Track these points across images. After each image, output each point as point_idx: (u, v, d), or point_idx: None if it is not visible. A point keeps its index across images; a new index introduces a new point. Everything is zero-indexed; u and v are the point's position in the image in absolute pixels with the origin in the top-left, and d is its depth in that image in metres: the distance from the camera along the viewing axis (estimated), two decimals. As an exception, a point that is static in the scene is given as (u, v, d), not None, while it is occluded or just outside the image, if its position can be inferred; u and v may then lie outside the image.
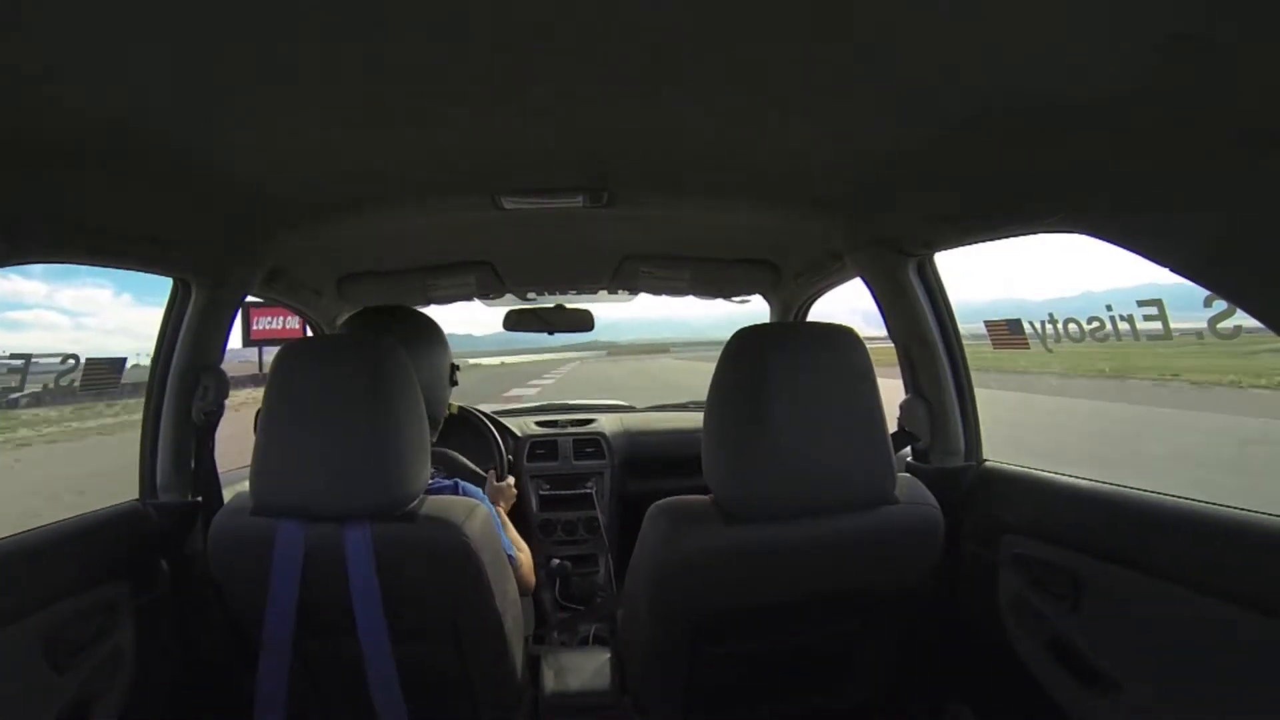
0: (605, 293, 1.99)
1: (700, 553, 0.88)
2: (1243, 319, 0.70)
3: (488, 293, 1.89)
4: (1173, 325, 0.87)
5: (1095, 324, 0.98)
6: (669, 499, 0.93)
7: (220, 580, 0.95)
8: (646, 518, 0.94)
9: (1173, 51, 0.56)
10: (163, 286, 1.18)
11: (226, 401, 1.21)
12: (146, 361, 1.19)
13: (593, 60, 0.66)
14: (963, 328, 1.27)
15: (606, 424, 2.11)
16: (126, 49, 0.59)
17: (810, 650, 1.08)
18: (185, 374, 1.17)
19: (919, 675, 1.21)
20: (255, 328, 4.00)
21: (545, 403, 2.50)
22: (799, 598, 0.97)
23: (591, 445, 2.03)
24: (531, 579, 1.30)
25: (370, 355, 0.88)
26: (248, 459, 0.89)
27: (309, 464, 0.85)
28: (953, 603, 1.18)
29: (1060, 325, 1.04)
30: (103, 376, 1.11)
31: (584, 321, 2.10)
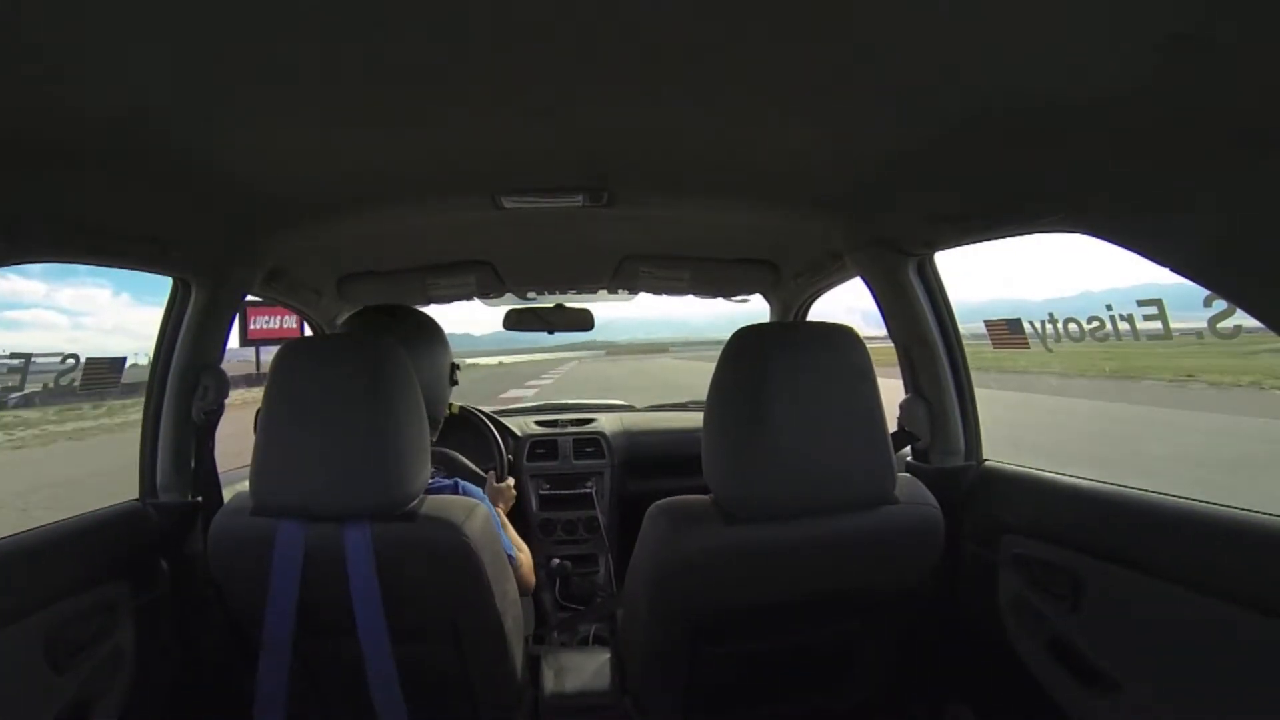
0: (605, 292, 1.99)
1: (700, 553, 0.88)
2: (1243, 319, 0.70)
3: (488, 292, 1.89)
4: (1172, 325, 0.87)
5: (1095, 324, 0.98)
6: (669, 499, 0.93)
7: (220, 580, 0.95)
8: (646, 517, 0.94)
9: (1173, 51, 0.56)
10: (162, 286, 1.19)
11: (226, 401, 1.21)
12: (144, 361, 1.19)
13: (593, 60, 0.66)
14: (962, 327, 1.27)
15: (606, 424, 2.11)
16: (126, 49, 0.59)
17: (810, 650, 1.08)
18: (185, 374, 1.17)
19: (919, 675, 1.21)
20: (253, 327, 3.98)
21: (545, 402, 2.51)
22: (799, 598, 0.97)
23: (591, 445, 2.03)
24: (531, 579, 1.30)
25: (370, 355, 0.88)
26: (245, 459, 0.88)
27: (309, 464, 0.85)
28: (953, 603, 1.18)
29: (1060, 325, 1.04)
30: (103, 376, 1.11)
31: (584, 321, 2.10)
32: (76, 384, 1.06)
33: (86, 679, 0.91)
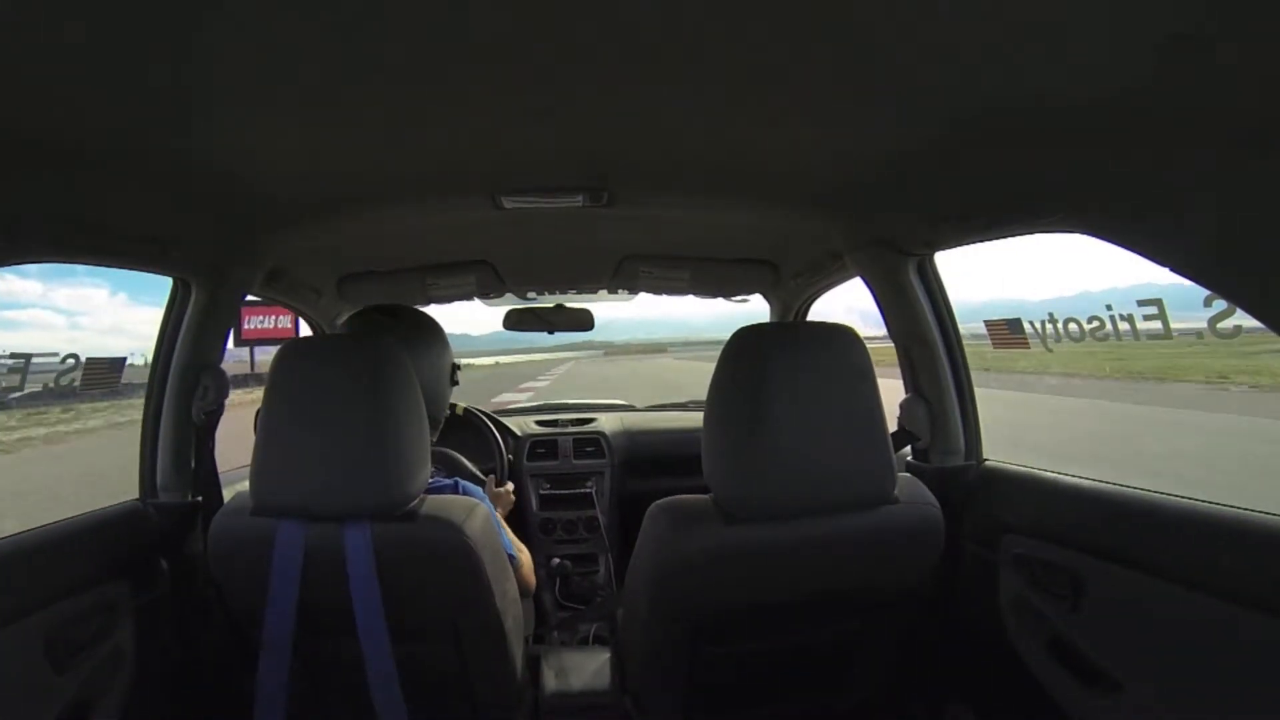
0: (605, 292, 1.99)
1: (700, 552, 0.88)
2: (1243, 319, 0.70)
3: (488, 292, 1.89)
4: (1172, 325, 0.87)
5: (1095, 323, 0.98)
6: (669, 498, 0.93)
7: (220, 580, 0.95)
8: (646, 517, 0.94)
9: (1173, 51, 0.56)
10: (159, 286, 1.19)
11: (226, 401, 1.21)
12: (140, 361, 1.19)
13: (593, 60, 0.66)
14: (962, 327, 1.27)
15: (606, 423, 2.12)
16: (126, 49, 0.59)
17: (810, 650, 1.08)
18: (185, 374, 1.17)
19: (919, 675, 1.21)
20: (247, 327, 3.98)
21: (545, 402, 2.51)
22: (799, 597, 0.97)
23: (591, 444, 2.03)
24: (532, 580, 1.30)
25: (370, 355, 0.88)
26: (241, 460, 0.88)
27: (309, 464, 0.85)
28: (953, 603, 1.18)
29: (1060, 325, 1.04)
30: (103, 376, 1.11)
31: (584, 321, 2.10)
32: (76, 384, 1.06)
33: (86, 679, 0.91)
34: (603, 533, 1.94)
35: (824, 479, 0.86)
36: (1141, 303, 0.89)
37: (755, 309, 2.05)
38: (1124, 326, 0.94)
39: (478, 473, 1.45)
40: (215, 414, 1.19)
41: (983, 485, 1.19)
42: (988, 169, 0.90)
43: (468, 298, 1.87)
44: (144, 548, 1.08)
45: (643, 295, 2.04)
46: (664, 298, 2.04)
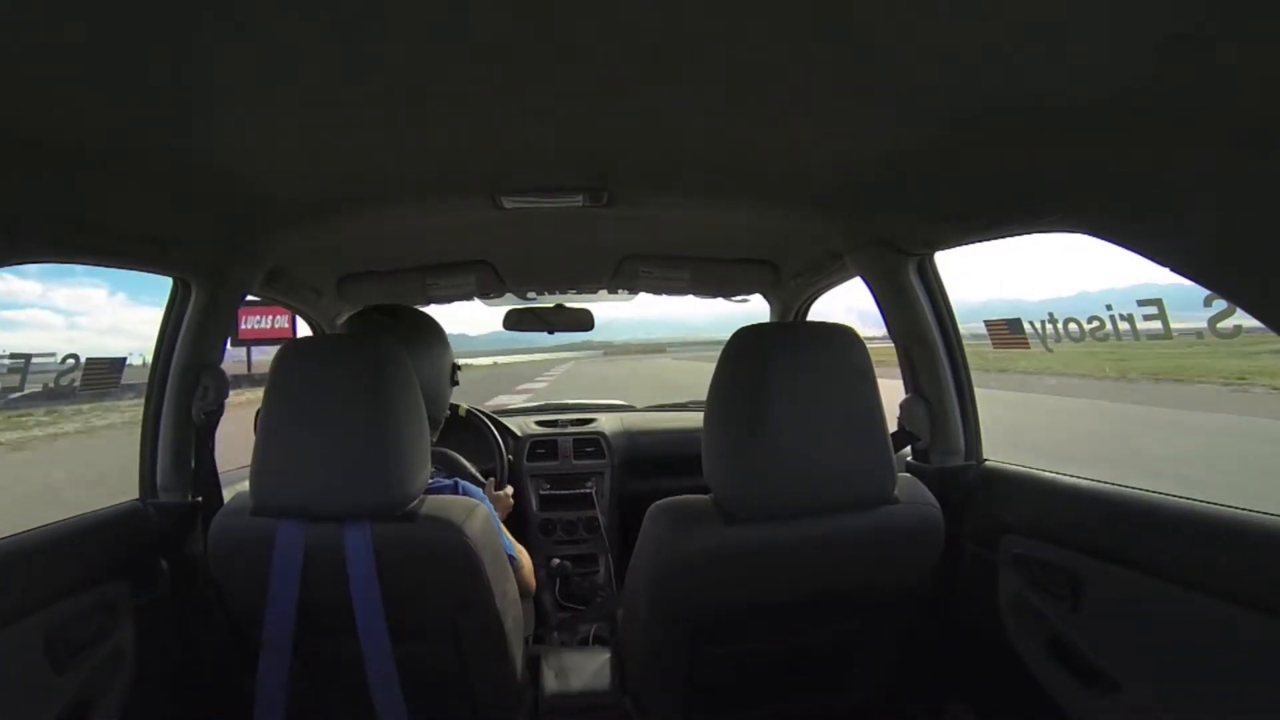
0: (605, 292, 1.99)
1: (700, 553, 0.88)
2: (1243, 319, 0.70)
3: (488, 292, 1.89)
4: (1172, 325, 0.87)
5: (1095, 323, 0.98)
6: (669, 499, 0.93)
7: (220, 580, 0.95)
8: (646, 517, 0.94)
9: (1173, 51, 0.56)
10: (158, 286, 1.19)
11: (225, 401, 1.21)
12: (139, 361, 1.19)
13: (593, 60, 0.66)
14: (962, 327, 1.27)
15: (606, 424, 2.12)
16: (126, 49, 0.59)
17: (810, 650, 1.08)
18: (185, 374, 1.17)
19: (919, 675, 1.21)
20: (244, 327, 3.97)
21: (545, 402, 2.51)
22: (799, 598, 0.97)
23: (591, 445, 2.03)
24: (532, 581, 1.30)
25: (370, 355, 0.88)
26: (239, 460, 0.88)
27: (309, 464, 0.85)
28: (953, 603, 1.18)
29: (1060, 325, 1.04)
30: (103, 376, 1.11)
31: (584, 321, 2.10)
32: (76, 384, 1.06)
33: (86, 679, 0.91)
34: (603, 533, 1.94)
35: (824, 479, 0.86)
36: (1141, 302, 0.89)
37: (755, 309, 2.05)
38: (1124, 326, 0.94)
39: (477, 474, 1.45)
40: (215, 414, 1.19)
41: (982, 485, 1.19)
42: (988, 169, 0.90)
43: (468, 298, 1.87)
44: (144, 548, 1.08)
45: (642, 295, 2.04)
46: (664, 298, 2.04)
